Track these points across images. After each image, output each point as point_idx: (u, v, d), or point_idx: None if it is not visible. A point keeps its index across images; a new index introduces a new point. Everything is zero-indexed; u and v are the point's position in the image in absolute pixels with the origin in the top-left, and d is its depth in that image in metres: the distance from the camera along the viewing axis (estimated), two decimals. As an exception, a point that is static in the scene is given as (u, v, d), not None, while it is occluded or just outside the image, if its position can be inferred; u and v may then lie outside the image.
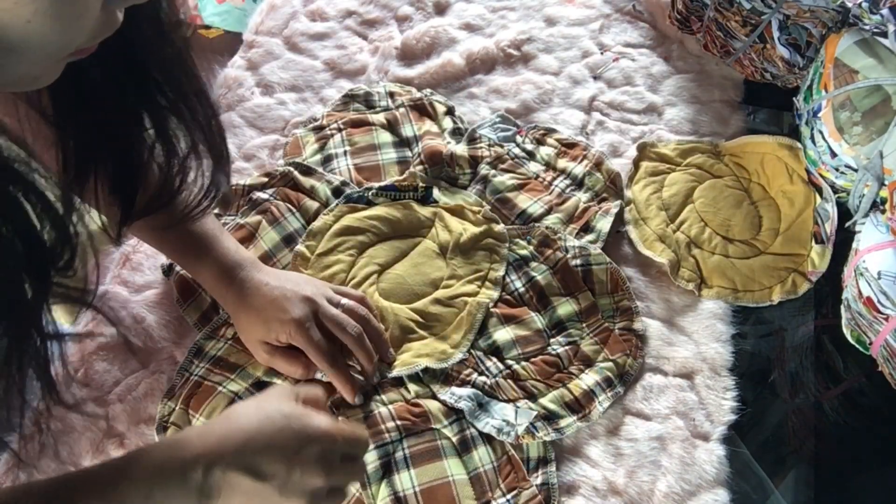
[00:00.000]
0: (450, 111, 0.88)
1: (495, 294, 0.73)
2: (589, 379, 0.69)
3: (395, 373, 0.68)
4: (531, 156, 0.84)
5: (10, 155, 0.35)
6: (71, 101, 0.48)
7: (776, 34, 0.83)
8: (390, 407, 0.66)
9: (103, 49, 0.38)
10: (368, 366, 0.66)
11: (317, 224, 0.77)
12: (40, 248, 0.37)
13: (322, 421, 0.50)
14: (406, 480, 0.63)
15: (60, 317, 1.21)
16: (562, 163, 0.83)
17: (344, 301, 0.67)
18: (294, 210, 0.79)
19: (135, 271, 0.77)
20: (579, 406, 0.67)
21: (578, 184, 0.82)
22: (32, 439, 0.67)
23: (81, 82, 0.45)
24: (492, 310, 0.72)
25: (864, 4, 0.77)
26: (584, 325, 0.72)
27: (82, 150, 0.50)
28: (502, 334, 0.71)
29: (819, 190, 0.81)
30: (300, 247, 0.76)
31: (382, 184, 0.80)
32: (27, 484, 0.47)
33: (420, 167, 0.81)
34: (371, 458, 0.63)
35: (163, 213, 0.58)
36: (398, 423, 0.65)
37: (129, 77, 0.48)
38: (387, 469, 0.64)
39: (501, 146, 0.84)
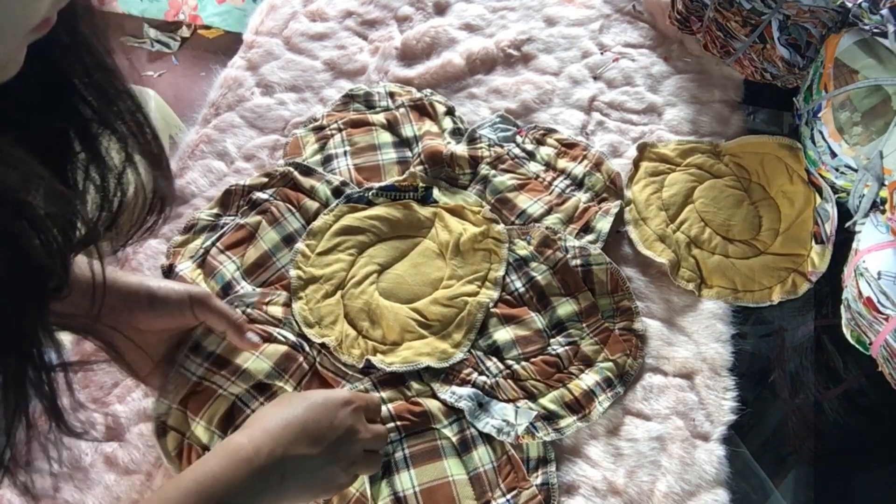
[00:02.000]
0: (450, 111, 0.88)
1: (495, 294, 0.73)
2: (589, 379, 0.69)
3: (395, 368, 0.68)
4: (531, 156, 0.84)
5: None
6: None
7: (776, 34, 0.83)
8: (390, 407, 0.66)
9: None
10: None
11: (317, 224, 0.77)
12: (33, 271, 0.35)
13: (342, 391, 0.58)
14: (406, 480, 0.63)
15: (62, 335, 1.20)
16: (562, 163, 0.83)
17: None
18: (294, 210, 0.79)
19: (135, 272, 0.77)
20: (579, 406, 0.67)
21: (578, 184, 0.82)
22: (30, 442, 0.67)
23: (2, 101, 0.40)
24: (492, 310, 0.72)
25: (864, 4, 0.77)
26: (584, 325, 0.72)
27: None
28: (502, 334, 0.71)
29: (819, 190, 0.81)
30: (300, 245, 0.76)
31: (382, 184, 0.80)
32: None
33: (420, 167, 0.81)
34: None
35: (107, 238, 0.51)
36: (398, 423, 0.65)
37: (50, 91, 0.42)
38: (387, 469, 0.64)
39: (501, 146, 0.84)
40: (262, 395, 0.66)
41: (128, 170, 0.48)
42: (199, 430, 0.64)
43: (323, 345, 0.70)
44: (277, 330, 0.70)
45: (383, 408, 0.66)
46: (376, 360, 0.68)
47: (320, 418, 0.54)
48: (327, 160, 0.84)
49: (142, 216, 0.52)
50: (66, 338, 0.81)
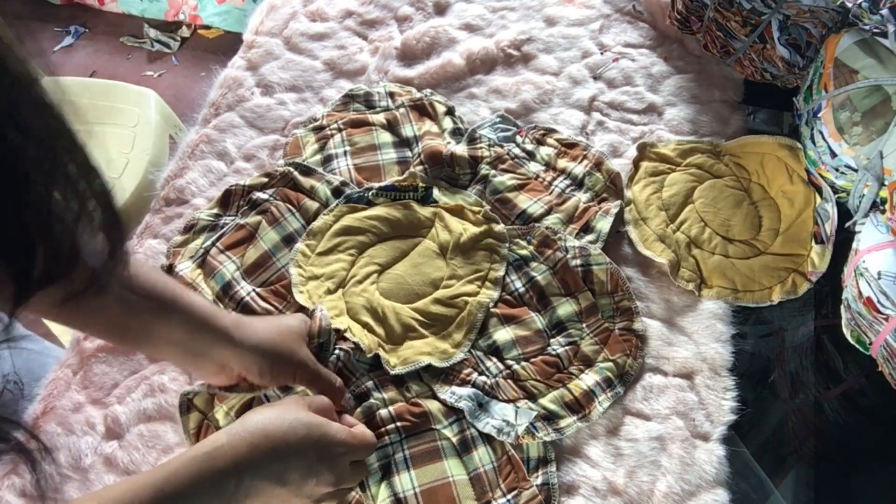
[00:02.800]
0: (450, 111, 0.88)
1: (495, 294, 0.73)
2: (589, 379, 0.69)
3: (396, 370, 0.68)
4: (531, 156, 0.84)
5: None
6: None
7: (776, 34, 0.83)
8: (390, 408, 0.66)
9: None
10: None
11: (317, 224, 0.77)
12: None
13: (339, 431, 0.55)
14: (406, 481, 0.63)
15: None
16: (562, 163, 0.83)
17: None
18: (294, 210, 0.79)
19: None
20: (579, 406, 0.67)
21: (578, 184, 0.82)
22: (29, 443, 0.67)
23: None
24: (492, 310, 0.72)
25: (864, 4, 0.77)
26: (584, 325, 0.72)
27: None
28: (502, 334, 0.71)
29: (819, 190, 0.81)
30: (300, 245, 0.76)
31: (382, 184, 0.80)
32: None
33: (420, 167, 0.81)
34: (371, 460, 0.63)
35: (68, 281, 0.44)
36: (398, 424, 0.65)
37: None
38: (387, 470, 0.64)
39: (501, 146, 0.84)
40: (284, 393, 0.67)
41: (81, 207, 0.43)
42: (220, 413, 0.67)
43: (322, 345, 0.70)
44: None
45: (383, 410, 0.66)
46: (381, 356, 0.69)
47: (301, 462, 0.53)
48: (327, 160, 0.84)
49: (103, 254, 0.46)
50: (66, 339, 0.81)
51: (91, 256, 0.43)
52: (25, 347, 0.83)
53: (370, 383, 0.68)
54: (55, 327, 1.25)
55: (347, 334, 0.69)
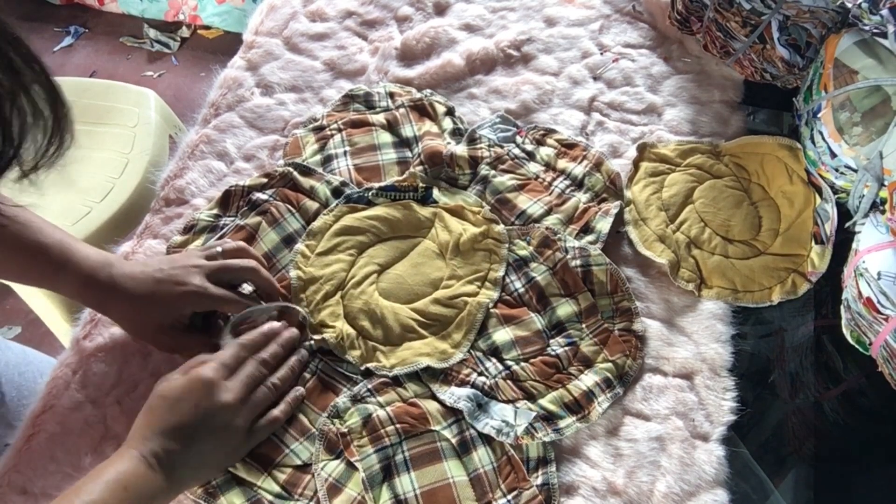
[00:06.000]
0: (450, 111, 0.88)
1: (495, 294, 0.73)
2: (588, 380, 0.69)
3: (395, 371, 0.68)
4: (531, 156, 0.84)
5: None
6: None
7: (776, 35, 0.83)
8: (388, 409, 0.66)
9: None
10: (272, 288, 0.70)
11: (317, 224, 0.77)
12: None
13: (199, 371, 0.60)
14: (406, 483, 0.63)
15: (60, 317, 1.21)
16: (562, 163, 0.83)
17: (221, 248, 0.70)
18: (294, 210, 0.79)
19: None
20: (579, 407, 0.67)
21: (578, 184, 0.82)
22: (29, 442, 0.67)
23: None
24: (491, 310, 0.72)
25: (864, 5, 0.77)
26: (583, 325, 0.72)
27: None
28: (502, 335, 0.71)
29: (819, 190, 0.81)
30: (300, 245, 0.76)
31: (382, 184, 0.80)
32: None
33: (420, 167, 0.81)
34: (371, 462, 0.63)
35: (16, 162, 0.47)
36: (397, 426, 0.65)
37: None
38: (387, 472, 0.64)
39: (501, 146, 0.84)
40: None
41: (22, 98, 0.46)
42: None
43: (321, 349, 0.70)
44: None
45: (381, 411, 0.66)
46: (374, 366, 0.68)
47: (183, 416, 0.58)
48: (327, 160, 0.84)
49: (44, 145, 0.48)
50: (65, 338, 0.81)
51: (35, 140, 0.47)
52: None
53: (369, 386, 0.68)
54: (55, 327, 1.25)
55: (334, 349, 0.70)
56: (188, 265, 0.67)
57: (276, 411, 0.64)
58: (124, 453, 0.56)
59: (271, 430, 0.64)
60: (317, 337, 0.70)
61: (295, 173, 0.81)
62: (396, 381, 0.69)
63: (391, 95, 0.90)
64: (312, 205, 0.79)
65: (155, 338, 0.68)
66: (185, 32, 2.30)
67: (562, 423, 0.66)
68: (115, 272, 0.66)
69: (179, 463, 0.57)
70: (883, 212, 0.71)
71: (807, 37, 0.83)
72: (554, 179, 0.82)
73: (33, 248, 0.65)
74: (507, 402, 0.67)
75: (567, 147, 0.85)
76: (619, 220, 0.80)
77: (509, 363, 0.70)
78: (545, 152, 0.84)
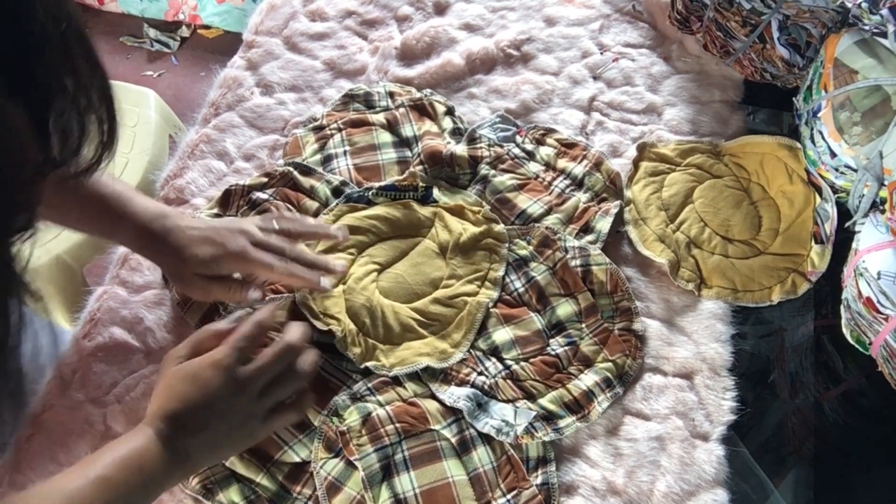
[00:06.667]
0: (450, 111, 0.88)
1: (495, 294, 0.73)
2: (588, 379, 0.69)
3: (395, 372, 0.68)
4: (531, 156, 0.84)
5: None
6: None
7: (776, 34, 0.83)
8: (388, 409, 0.66)
9: None
10: (312, 275, 0.69)
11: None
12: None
13: (212, 355, 0.59)
14: (406, 482, 0.63)
15: (60, 318, 1.20)
16: (561, 163, 0.83)
17: (277, 225, 0.70)
18: (294, 210, 0.79)
19: (134, 271, 0.77)
20: (579, 406, 0.67)
21: (578, 184, 0.82)
22: (29, 441, 0.67)
23: None
24: (491, 310, 0.72)
25: (864, 4, 0.77)
26: (583, 325, 0.72)
27: None
28: (501, 334, 0.71)
29: (819, 190, 0.81)
30: (300, 245, 0.75)
31: (382, 184, 0.80)
32: None
33: (420, 167, 0.81)
34: (371, 461, 0.63)
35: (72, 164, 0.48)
36: (397, 425, 0.65)
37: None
38: (387, 471, 0.64)
39: (501, 146, 0.84)
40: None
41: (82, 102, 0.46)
42: None
43: (321, 344, 0.70)
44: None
45: (381, 410, 0.66)
46: (373, 365, 0.68)
47: (200, 403, 0.57)
48: (327, 160, 0.84)
49: (98, 148, 0.49)
50: (68, 332, 0.81)
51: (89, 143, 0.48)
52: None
53: (369, 384, 0.68)
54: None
55: (337, 344, 0.69)
56: (238, 229, 0.68)
57: (293, 405, 0.63)
58: (140, 431, 0.56)
59: (287, 423, 0.63)
60: (323, 328, 0.70)
61: (295, 173, 0.81)
62: (396, 381, 0.69)
63: (391, 95, 0.90)
64: (312, 204, 0.79)
65: (189, 286, 0.69)
66: (184, 32, 2.30)
67: (562, 423, 0.66)
68: (168, 223, 0.67)
69: (194, 446, 0.56)
70: (883, 211, 0.71)
71: (807, 36, 0.83)
72: (554, 179, 0.82)
73: (94, 198, 0.66)
74: (507, 401, 0.67)
75: (567, 147, 0.85)
76: (618, 220, 0.80)
77: (509, 363, 0.70)
78: (545, 152, 0.84)
